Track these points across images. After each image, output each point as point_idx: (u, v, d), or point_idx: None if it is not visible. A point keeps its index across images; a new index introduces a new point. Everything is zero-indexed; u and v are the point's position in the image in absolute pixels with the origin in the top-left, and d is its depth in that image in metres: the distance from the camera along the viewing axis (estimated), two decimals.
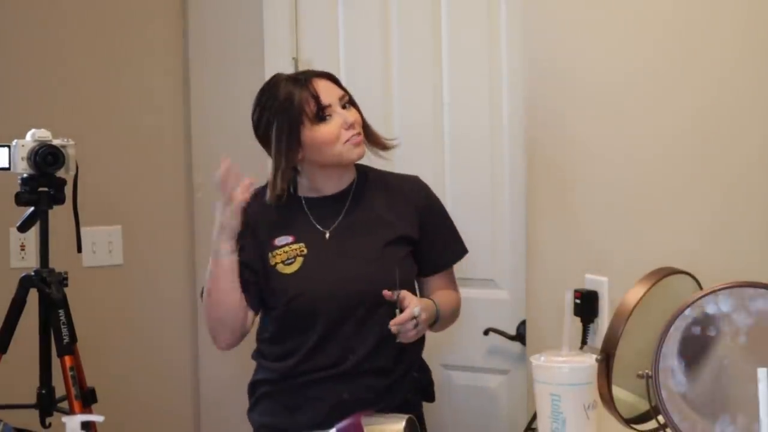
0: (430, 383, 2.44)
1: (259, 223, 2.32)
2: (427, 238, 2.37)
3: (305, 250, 2.29)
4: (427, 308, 2.23)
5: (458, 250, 2.44)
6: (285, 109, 2.25)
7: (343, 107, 2.28)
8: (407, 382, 2.33)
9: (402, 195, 2.37)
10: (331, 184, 2.34)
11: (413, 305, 2.15)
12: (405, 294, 2.17)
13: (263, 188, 2.34)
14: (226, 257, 2.27)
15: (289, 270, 2.28)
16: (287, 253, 2.29)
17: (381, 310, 2.21)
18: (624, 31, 2.05)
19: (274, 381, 2.34)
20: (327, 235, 2.30)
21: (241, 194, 2.24)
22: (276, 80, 2.32)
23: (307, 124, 2.24)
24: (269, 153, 2.30)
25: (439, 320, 2.30)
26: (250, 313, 2.32)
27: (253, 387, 2.41)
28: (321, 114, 2.24)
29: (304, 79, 2.28)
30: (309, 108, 2.24)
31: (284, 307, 2.29)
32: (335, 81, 2.32)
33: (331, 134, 2.25)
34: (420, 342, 2.32)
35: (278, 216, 2.33)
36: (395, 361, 2.28)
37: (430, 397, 2.45)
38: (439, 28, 2.90)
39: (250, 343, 2.53)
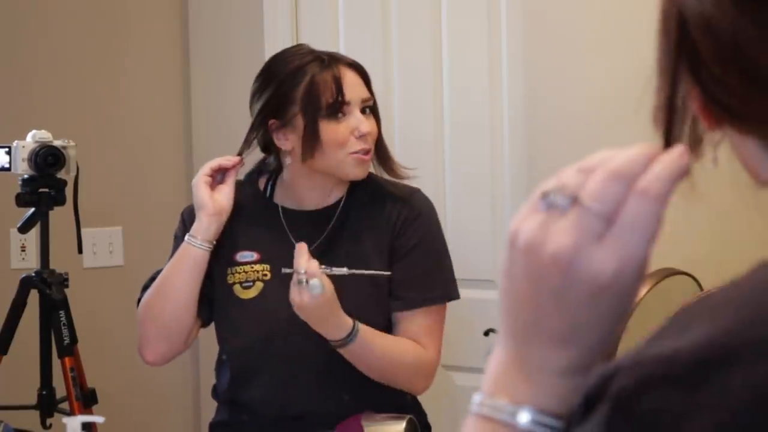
0: (425, 427, 2.09)
1: (225, 229, 1.95)
2: (396, 269, 1.92)
3: (268, 275, 1.93)
4: (332, 299, 1.77)
5: (429, 295, 1.95)
6: (292, 84, 1.85)
7: (362, 111, 1.89)
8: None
9: (385, 218, 1.95)
10: (315, 198, 1.97)
11: (307, 263, 1.74)
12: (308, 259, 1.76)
13: (239, 184, 2.01)
14: (201, 247, 1.92)
15: (245, 295, 1.95)
16: (247, 274, 1.95)
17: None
18: (626, 29, 2.05)
19: (232, 424, 2.08)
20: None
21: (231, 163, 1.94)
22: (292, 51, 1.94)
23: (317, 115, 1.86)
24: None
25: (354, 341, 1.82)
26: (197, 325, 2.01)
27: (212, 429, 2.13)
28: (337, 109, 1.85)
29: (329, 60, 1.88)
30: (326, 97, 1.85)
31: (235, 338, 1.99)
32: (365, 79, 1.94)
33: (340, 137, 1.86)
34: (396, 390, 1.96)
35: (248, 223, 1.98)
36: (376, 408, 1.91)
37: None
38: (440, 26, 2.89)
39: None
